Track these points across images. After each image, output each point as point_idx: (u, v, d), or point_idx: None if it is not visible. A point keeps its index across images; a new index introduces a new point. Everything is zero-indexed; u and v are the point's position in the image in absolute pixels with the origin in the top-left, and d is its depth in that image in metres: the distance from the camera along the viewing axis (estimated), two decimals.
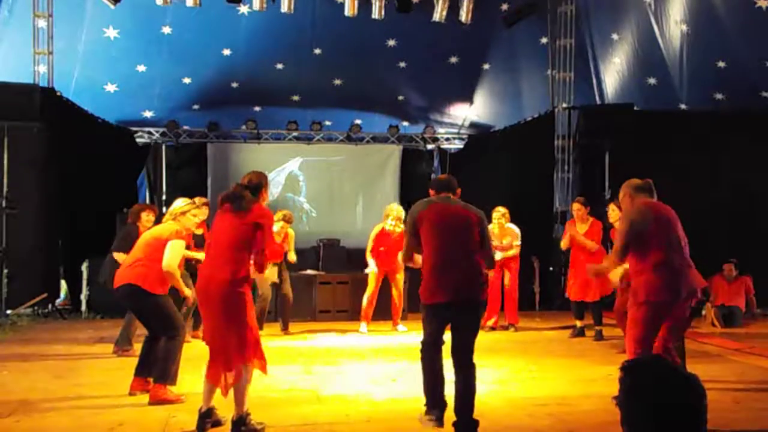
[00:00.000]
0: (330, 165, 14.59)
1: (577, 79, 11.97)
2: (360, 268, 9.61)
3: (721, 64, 11.19)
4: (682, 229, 4.60)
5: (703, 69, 11.39)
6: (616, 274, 5.05)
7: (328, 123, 14.32)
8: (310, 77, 12.95)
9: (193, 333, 7.24)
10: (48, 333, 8.61)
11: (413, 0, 11.02)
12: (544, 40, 12.28)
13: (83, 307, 9.97)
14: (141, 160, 13.61)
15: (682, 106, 12.14)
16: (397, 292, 8.78)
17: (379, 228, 8.69)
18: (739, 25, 10.55)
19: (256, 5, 10.50)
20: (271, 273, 7.91)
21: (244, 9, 11.32)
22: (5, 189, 9.70)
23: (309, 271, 10.26)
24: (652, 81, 12.17)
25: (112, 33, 11.44)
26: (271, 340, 7.88)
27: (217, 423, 4.44)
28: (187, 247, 5.64)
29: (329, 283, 9.90)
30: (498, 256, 8.52)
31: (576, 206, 8.36)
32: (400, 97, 13.97)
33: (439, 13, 10.93)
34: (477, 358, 4.32)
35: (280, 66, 12.75)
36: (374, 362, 6.78)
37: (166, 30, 11.68)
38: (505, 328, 8.87)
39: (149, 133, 13.77)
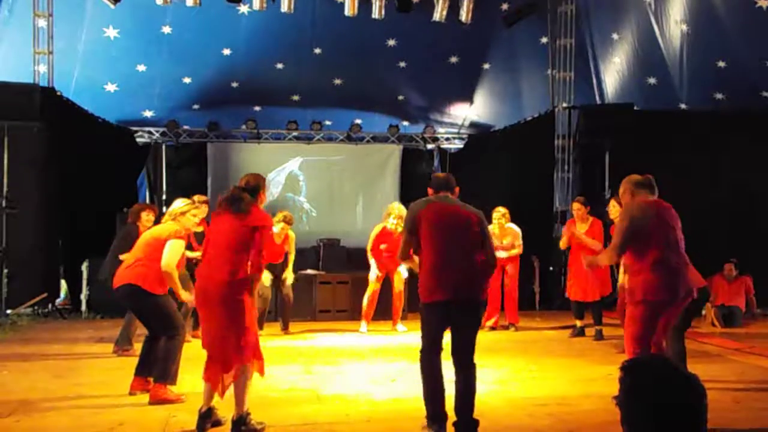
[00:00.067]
0: (330, 165, 14.59)
1: (577, 78, 11.97)
2: (360, 268, 9.62)
3: (721, 63, 11.19)
4: (681, 228, 4.60)
5: (703, 69, 11.39)
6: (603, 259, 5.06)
7: (328, 123, 14.32)
8: (310, 77, 12.95)
9: (193, 333, 7.24)
10: (48, 333, 8.61)
11: (413, 0, 11.02)
12: (544, 39, 12.28)
13: (83, 307, 9.97)
14: (141, 160, 13.61)
15: (682, 106, 12.15)
16: (398, 291, 8.78)
17: (380, 227, 8.70)
18: (739, 24, 10.55)
19: (256, 5, 10.50)
20: (265, 277, 7.90)
21: (244, 9, 11.31)
22: (5, 189, 9.70)
23: (309, 271, 10.25)
24: (652, 81, 12.17)
25: (112, 33, 11.44)
26: (271, 339, 7.88)
27: (218, 423, 4.44)
28: (189, 246, 5.64)
29: (329, 283, 9.90)
30: (503, 255, 8.55)
31: (576, 206, 8.37)
32: (400, 97, 13.97)
33: (439, 13, 10.92)
34: (477, 358, 4.31)
35: (280, 66, 12.75)
36: (374, 362, 6.78)
37: (166, 30, 11.68)
38: (506, 327, 8.87)
39: (149, 132, 13.77)
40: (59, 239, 10.32)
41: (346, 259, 11.93)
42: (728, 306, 9.26)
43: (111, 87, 12.34)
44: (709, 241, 9.25)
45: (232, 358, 4.25)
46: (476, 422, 4.16)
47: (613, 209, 7.04)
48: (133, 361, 5.56)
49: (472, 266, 4.27)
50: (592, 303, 8.22)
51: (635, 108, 11.32)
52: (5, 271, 9.61)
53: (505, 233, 8.74)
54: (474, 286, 4.25)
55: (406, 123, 14.65)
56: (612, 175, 10.74)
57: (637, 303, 4.43)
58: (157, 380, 5.13)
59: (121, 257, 6.64)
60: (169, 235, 5.27)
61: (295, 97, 13.60)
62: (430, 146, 14.98)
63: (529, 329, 9.04)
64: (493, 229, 8.59)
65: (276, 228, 8.27)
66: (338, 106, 13.83)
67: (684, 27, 11.17)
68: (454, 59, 12.91)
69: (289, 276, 8.59)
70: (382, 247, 8.60)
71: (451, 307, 4.20)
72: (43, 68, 10.49)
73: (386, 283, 8.79)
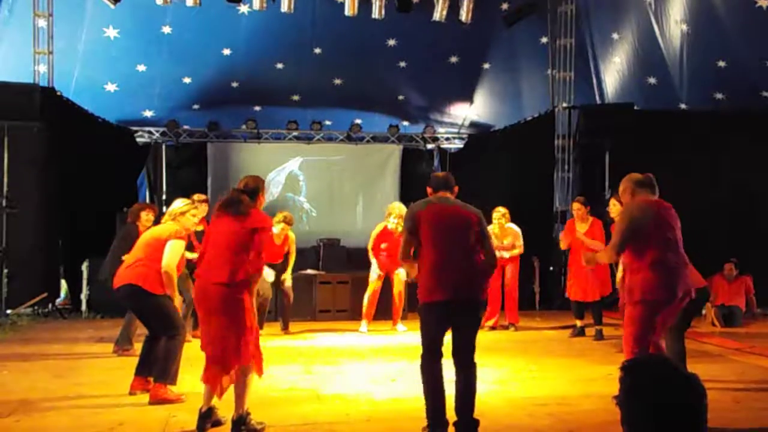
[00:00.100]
0: (330, 165, 14.59)
1: (578, 78, 11.97)
2: (360, 268, 9.62)
3: (722, 63, 11.19)
4: (680, 228, 4.60)
5: (704, 69, 11.39)
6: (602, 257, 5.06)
7: (328, 123, 14.32)
8: (310, 77, 12.95)
9: (193, 333, 7.25)
10: (48, 332, 8.61)
11: (413, 0, 11.02)
12: (544, 39, 12.28)
13: (83, 307, 9.97)
14: (141, 160, 13.61)
15: (683, 106, 12.15)
16: (398, 291, 8.78)
17: (381, 226, 8.70)
18: (739, 24, 10.55)
19: (256, 5, 10.50)
20: (267, 273, 7.92)
21: (244, 8, 11.32)
22: (5, 189, 9.71)
23: (309, 271, 10.25)
24: (652, 80, 12.17)
25: (112, 33, 11.44)
26: (272, 339, 7.88)
27: (218, 423, 4.44)
28: (189, 246, 5.64)
29: (329, 283, 9.90)
30: (505, 255, 8.57)
31: (576, 206, 8.36)
32: (400, 97, 13.97)
33: (439, 13, 10.93)
34: (477, 358, 4.31)
35: (280, 65, 12.75)
36: (374, 362, 6.78)
37: (166, 30, 11.68)
38: (506, 327, 8.87)
39: (149, 132, 13.77)
40: (59, 239, 10.32)
41: (346, 259, 11.93)
42: (728, 306, 9.26)
43: (111, 87, 12.34)
44: (709, 241, 9.25)
45: (232, 359, 4.25)
46: (476, 422, 4.15)
47: (614, 208, 7.03)
48: (133, 361, 5.56)
49: (472, 266, 4.27)
50: (592, 303, 8.22)
51: (635, 108, 11.33)
52: (5, 271, 9.61)
53: (505, 233, 8.73)
54: (474, 286, 4.25)
55: (406, 123, 14.65)
56: (612, 175, 10.75)
57: (635, 303, 4.43)
58: (157, 380, 5.13)
59: (125, 258, 6.67)
60: (169, 236, 5.27)
61: (295, 97, 13.61)
62: (430, 146, 14.98)
63: (529, 329, 9.04)
64: (493, 229, 8.59)
65: (276, 229, 8.28)
66: (338, 106, 13.83)
67: (684, 27, 11.17)
68: (454, 59, 12.91)
69: (288, 278, 8.59)
70: (383, 246, 8.61)
71: (451, 307, 4.20)
72: (43, 68, 10.49)
73: (386, 282, 8.79)
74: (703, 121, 11.12)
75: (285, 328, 8.63)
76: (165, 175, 14.27)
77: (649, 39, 11.61)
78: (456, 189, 4.52)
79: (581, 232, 8.15)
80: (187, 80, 12.71)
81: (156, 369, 5.18)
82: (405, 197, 12.51)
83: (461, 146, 14.96)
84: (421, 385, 4.24)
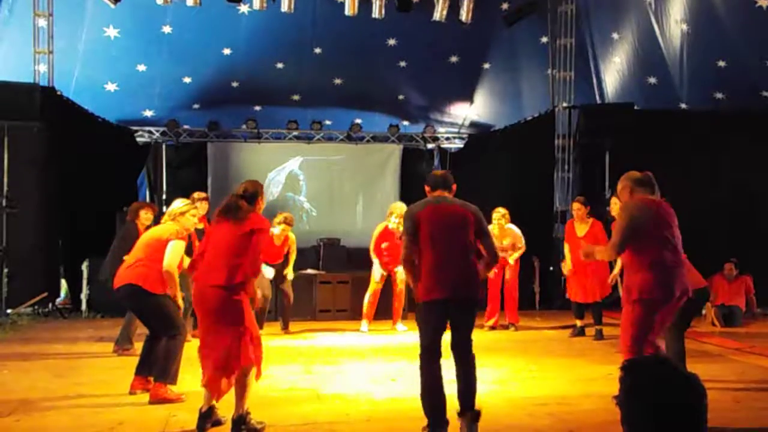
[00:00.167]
0: (330, 164, 14.59)
1: (578, 78, 11.97)
2: (360, 268, 9.62)
3: (722, 63, 11.19)
4: (678, 227, 4.60)
5: (704, 68, 11.39)
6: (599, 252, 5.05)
7: (328, 122, 14.32)
8: (311, 76, 12.95)
9: (194, 332, 7.25)
10: (48, 332, 8.61)
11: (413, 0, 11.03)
12: (544, 39, 12.28)
13: (83, 307, 9.97)
14: (141, 160, 13.61)
15: (683, 106, 12.15)
16: (398, 290, 8.78)
17: (382, 226, 8.71)
18: (739, 24, 10.55)
19: (257, 4, 10.50)
20: (266, 271, 7.93)
21: (244, 8, 11.31)
22: (5, 188, 9.71)
23: (309, 271, 10.26)
24: (652, 80, 12.17)
25: (112, 32, 11.44)
26: (272, 339, 7.88)
27: (218, 422, 4.44)
28: (190, 245, 5.64)
29: (329, 283, 9.90)
30: (511, 261, 8.61)
31: (576, 206, 8.36)
32: (401, 97, 13.97)
33: (439, 13, 10.92)
34: (477, 358, 4.34)
35: (280, 65, 12.75)
36: (374, 362, 6.78)
37: (167, 29, 11.68)
38: (506, 327, 8.87)
39: (149, 132, 13.77)
40: (59, 239, 10.32)
41: (346, 258, 11.94)
42: (728, 306, 9.26)
43: (111, 87, 12.35)
44: (709, 241, 9.26)
45: (233, 363, 4.24)
46: (479, 412, 4.20)
47: (615, 206, 7.01)
48: (133, 361, 5.56)
49: (470, 265, 4.30)
50: (593, 303, 8.22)
51: (635, 107, 11.33)
52: (5, 270, 9.61)
53: (504, 234, 8.73)
54: (471, 285, 4.30)
55: (406, 123, 14.65)
56: (612, 175, 10.73)
57: (633, 302, 4.43)
58: (157, 379, 5.13)
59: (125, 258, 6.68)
60: (170, 236, 5.28)
61: (296, 97, 13.61)
62: (430, 146, 14.98)
63: (529, 329, 9.04)
64: (492, 229, 8.57)
65: (276, 229, 8.29)
66: (338, 105, 13.83)
67: (684, 26, 11.17)
68: (454, 59, 12.91)
69: (289, 272, 8.60)
70: (384, 246, 8.61)
71: (449, 306, 4.23)
72: (43, 68, 10.49)
73: (387, 282, 8.79)
74: (703, 120, 11.12)
75: (285, 328, 8.64)
76: (165, 175, 14.27)
77: (649, 39, 11.61)
78: (454, 187, 4.53)
79: (580, 234, 8.17)
80: (187, 80, 12.72)
81: (156, 368, 5.18)
82: (405, 197, 12.53)
83: (461, 146, 14.96)
84: (420, 385, 4.24)
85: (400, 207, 8.57)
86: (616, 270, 7.57)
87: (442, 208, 4.38)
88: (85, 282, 9.97)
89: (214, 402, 4.38)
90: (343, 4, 10.82)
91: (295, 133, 14.17)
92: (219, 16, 11.41)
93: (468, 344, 4.31)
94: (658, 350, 4.49)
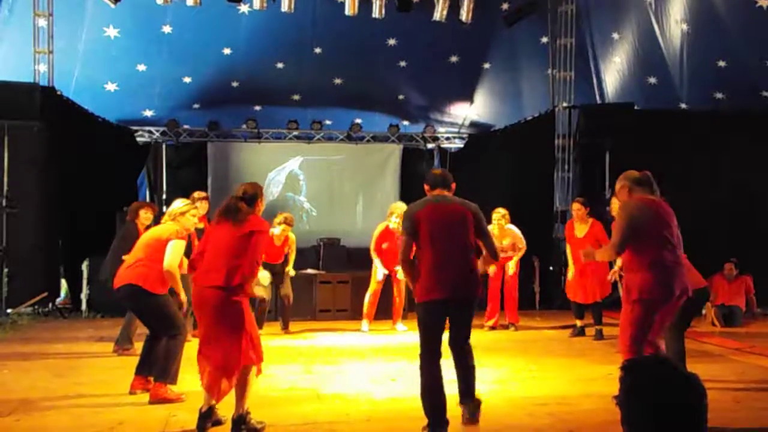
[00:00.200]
0: (330, 164, 14.59)
1: (578, 78, 11.97)
2: (360, 268, 9.62)
3: (722, 63, 11.19)
4: (677, 226, 4.60)
5: (704, 68, 11.38)
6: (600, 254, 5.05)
7: (328, 122, 14.32)
8: (311, 76, 12.95)
9: (194, 332, 7.25)
10: (48, 332, 8.61)
11: None
12: (544, 39, 12.28)
13: (83, 306, 9.97)
14: (141, 160, 13.61)
15: (683, 106, 12.15)
16: (399, 291, 8.78)
17: (383, 226, 8.71)
18: (739, 24, 10.55)
19: (257, 4, 10.49)
20: (262, 276, 7.90)
21: (244, 8, 11.31)
22: (5, 188, 9.71)
23: (309, 271, 10.25)
24: (652, 80, 12.16)
25: (112, 32, 11.44)
26: (272, 339, 7.88)
27: (218, 422, 4.44)
28: (190, 245, 5.64)
29: (329, 283, 9.90)
30: (512, 269, 8.61)
31: (576, 206, 8.36)
32: (401, 97, 13.97)
33: (439, 13, 10.92)
34: (477, 358, 4.37)
35: (280, 65, 12.75)
36: (374, 361, 6.78)
37: (167, 29, 11.68)
38: (506, 327, 8.86)
39: (149, 132, 13.77)
40: (59, 239, 10.32)
41: (346, 258, 11.93)
42: (728, 305, 9.26)
43: (111, 86, 12.34)
44: (709, 241, 9.25)
45: (233, 365, 4.24)
46: (479, 400, 4.28)
47: (615, 206, 7.01)
48: (133, 361, 5.57)
49: (469, 265, 4.31)
50: (592, 303, 8.21)
51: (635, 107, 11.32)
52: (6, 270, 9.61)
53: (504, 234, 8.72)
54: (471, 284, 4.31)
55: (406, 122, 14.65)
56: (612, 175, 10.68)
57: (632, 302, 4.44)
58: (157, 379, 5.13)
59: (124, 258, 6.68)
60: (170, 236, 5.28)
61: (296, 97, 13.61)
62: (430, 146, 14.98)
63: (529, 329, 9.04)
64: (492, 230, 8.57)
65: (277, 229, 8.29)
66: (338, 105, 13.83)
67: (684, 26, 11.17)
68: (454, 59, 12.91)
69: (290, 269, 8.61)
70: (384, 246, 8.60)
71: (448, 306, 4.24)
72: (43, 67, 10.49)
73: (387, 282, 8.79)
74: (703, 120, 11.11)
75: (285, 328, 8.64)
76: (165, 175, 14.27)
77: (650, 39, 11.61)
78: (453, 186, 4.53)
79: (579, 236, 8.18)
80: (187, 80, 12.71)
81: (156, 368, 5.18)
82: (405, 197, 12.53)
83: (461, 146, 14.96)
84: (420, 386, 4.24)
85: (401, 207, 8.55)
86: (617, 266, 7.56)
87: (441, 207, 4.38)
88: (85, 282, 9.97)
89: (213, 402, 4.37)
90: (343, 4, 10.82)
91: (295, 133, 14.17)
92: (219, 16, 11.41)
93: (465, 338, 4.37)
94: (658, 350, 4.49)
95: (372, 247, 8.71)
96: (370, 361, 6.79)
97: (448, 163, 14.44)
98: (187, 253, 5.51)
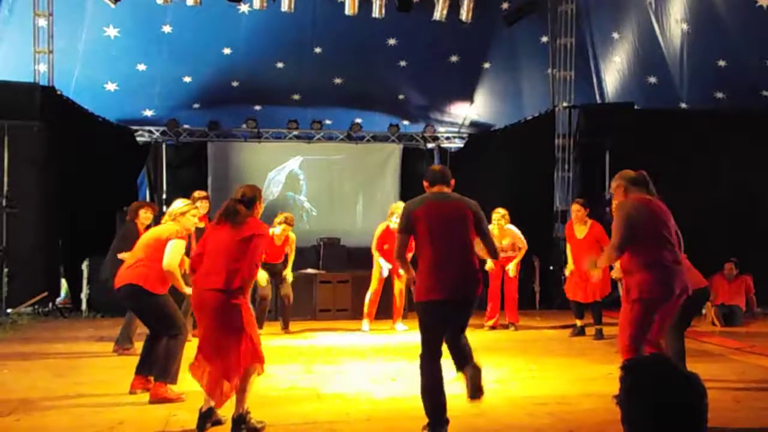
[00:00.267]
0: (330, 164, 14.59)
1: (578, 78, 11.96)
2: (361, 267, 9.63)
3: (722, 63, 11.19)
4: (676, 226, 4.60)
5: (704, 68, 11.38)
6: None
7: (328, 122, 14.33)
8: (311, 76, 12.95)
9: (194, 332, 7.25)
10: (48, 332, 8.61)
11: None
12: (544, 38, 12.28)
13: (83, 306, 9.97)
14: (141, 159, 13.61)
15: (683, 105, 12.14)
16: (399, 290, 8.78)
17: (383, 226, 8.70)
18: (739, 24, 10.55)
19: (257, 4, 10.50)
20: (261, 277, 7.91)
21: (244, 8, 11.31)
22: (5, 188, 9.71)
23: (309, 270, 10.26)
24: (652, 80, 12.16)
25: (112, 32, 11.44)
26: (272, 339, 7.88)
27: (218, 422, 4.44)
28: (189, 245, 5.65)
29: (329, 282, 9.90)
30: (512, 271, 8.62)
31: (575, 207, 8.35)
32: (401, 96, 13.97)
33: (439, 12, 10.92)
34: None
35: (280, 65, 12.75)
36: (374, 361, 6.78)
37: (167, 29, 11.68)
38: (505, 327, 8.86)
39: (149, 131, 13.77)
40: (59, 238, 10.31)
41: (346, 258, 11.93)
42: (728, 305, 9.26)
43: (111, 86, 12.35)
44: (709, 241, 9.25)
45: (233, 368, 4.24)
46: (479, 368, 4.30)
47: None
48: (133, 360, 5.57)
49: (469, 264, 4.29)
50: (592, 302, 8.21)
51: (636, 107, 11.33)
52: (6, 270, 9.61)
53: (504, 234, 8.72)
54: (470, 284, 4.29)
55: (406, 122, 14.65)
56: (612, 175, 10.62)
57: (632, 301, 4.43)
58: (157, 379, 5.13)
59: (120, 256, 6.67)
60: (169, 236, 5.28)
61: (296, 96, 13.61)
62: (430, 145, 14.98)
63: (529, 328, 9.04)
64: (492, 230, 8.56)
65: (277, 229, 8.30)
66: (338, 105, 13.83)
67: (684, 26, 11.17)
68: (454, 58, 12.91)
69: (288, 274, 8.61)
70: (386, 247, 8.57)
71: (448, 306, 4.23)
72: (43, 67, 10.49)
73: (387, 282, 8.79)
74: (704, 120, 11.11)
75: (285, 328, 8.64)
76: (165, 175, 14.28)
77: (650, 38, 11.61)
78: (453, 182, 4.51)
79: (579, 237, 8.18)
80: (187, 79, 12.71)
81: (156, 368, 5.18)
82: (405, 196, 12.49)
83: (461, 146, 14.97)
84: (420, 385, 4.24)
85: (401, 207, 8.54)
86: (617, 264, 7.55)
87: (441, 204, 4.36)
88: (85, 282, 9.97)
89: (214, 403, 4.37)
90: (343, 4, 10.82)
91: (296, 132, 14.17)
92: (219, 16, 11.41)
93: (462, 333, 4.37)
94: (661, 350, 4.49)
95: (374, 246, 8.70)
96: (371, 361, 6.79)
97: (448, 163, 14.42)
98: (187, 252, 5.52)
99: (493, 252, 4.54)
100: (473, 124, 14.65)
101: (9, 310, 9.54)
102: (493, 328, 8.76)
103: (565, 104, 11.89)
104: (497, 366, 6.34)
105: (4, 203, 9.67)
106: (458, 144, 15.05)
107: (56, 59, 10.59)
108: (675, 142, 10.64)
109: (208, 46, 12.12)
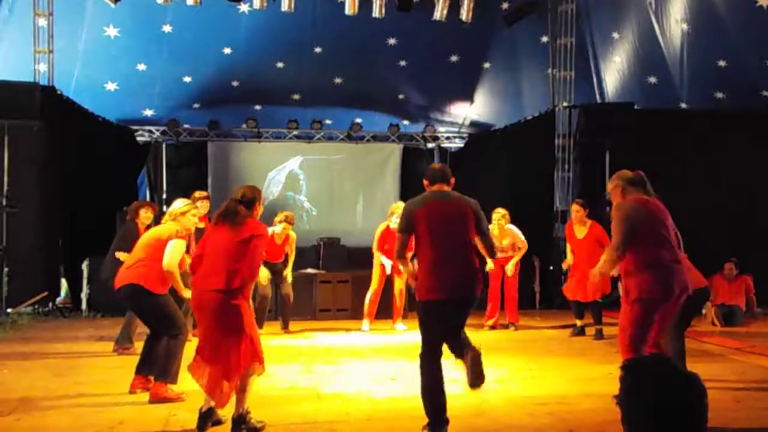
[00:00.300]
0: (330, 164, 14.59)
1: (578, 77, 11.96)
2: (361, 267, 9.63)
3: (722, 63, 11.19)
4: (674, 226, 4.60)
5: (704, 68, 11.39)
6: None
7: (328, 122, 14.33)
8: (311, 76, 12.95)
9: (194, 332, 7.25)
10: (48, 331, 8.61)
11: None
12: (544, 38, 12.28)
13: (83, 306, 9.97)
14: (141, 159, 13.61)
15: (683, 105, 12.15)
16: (399, 290, 8.78)
17: (383, 226, 8.70)
18: (739, 23, 10.55)
19: (257, 4, 10.50)
20: (263, 275, 7.92)
21: (244, 7, 11.31)
22: (5, 188, 9.71)
23: (309, 270, 10.26)
24: (652, 80, 12.16)
25: (112, 32, 11.44)
26: (272, 338, 7.89)
27: (218, 422, 4.44)
28: (190, 245, 5.65)
29: (329, 282, 9.90)
30: (511, 270, 8.63)
31: (575, 207, 8.34)
32: (401, 96, 13.98)
33: (439, 12, 10.92)
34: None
35: (280, 65, 12.75)
36: (374, 361, 6.78)
37: (167, 28, 11.68)
38: (506, 326, 8.86)
39: (149, 131, 13.77)
40: (59, 238, 10.32)
41: (346, 258, 11.93)
42: (728, 305, 9.26)
43: (111, 86, 12.35)
44: (709, 241, 9.25)
45: (233, 370, 4.24)
46: (478, 352, 4.26)
47: None
48: (133, 360, 5.57)
49: (469, 264, 4.28)
50: (592, 302, 8.22)
51: (636, 107, 11.33)
52: (6, 269, 9.61)
53: (504, 234, 8.72)
54: (470, 284, 4.28)
55: (406, 122, 14.65)
56: (612, 175, 10.71)
57: (632, 302, 4.43)
58: (157, 379, 5.13)
59: (118, 255, 6.68)
60: (170, 236, 5.28)
61: (296, 96, 13.61)
62: (430, 145, 14.98)
63: (529, 328, 9.04)
64: (492, 229, 8.59)
65: (278, 228, 8.30)
66: (338, 105, 13.84)
67: (684, 26, 11.17)
68: (454, 58, 12.91)
69: (288, 275, 8.62)
70: (386, 247, 8.57)
71: (447, 306, 4.23)
72: (43, 67, 10.49)
73: (387, 282, 8.79)
74: (704, 120, 11.12)
75: (285, 328, 8.64)
76: (165, 175, 14.28)
77: (650, 38, 11.61)
78: (452, 181, 4.51)
79: (579, 237, 8.18)
80: (187, 79, 12.71)
81: (157, 368, 5.18)
82: (405, 196, 12.49)
83: (461, 145, 14.97)
84: (420, 385, 4.24)
85: (401, 207, 8.52)
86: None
87: (441, 203, 4.35)
88: (85, 281, 9.97)
89: (214, 403, 4.37)
90: (343, 4, 10.83)
91: (296, 132, 14.17)
92: (219, 16, 11.41)
93: (461, 331, 4.36)
94: (661, 350, 4.49)
95: (375, 247, 8.70)
96: (371, 361, 6.79)
97: (448, 163, 14.41)
98: (187, 252, 5.52)
99: (491, 251, 4.53)
100: (473, 124, 14.66)
101: (9, 310, 9.54)
102: (493, 327, 8.77)
103: (565, 104, 11.89)
104: (497, 366, 6.34)
105: (4, 203, 9.67)
106: (458, 144, 15.05)
107: (56, 59, 10.59)
108: (675, 142, 10.65)
109: (208, 46, 12.13)
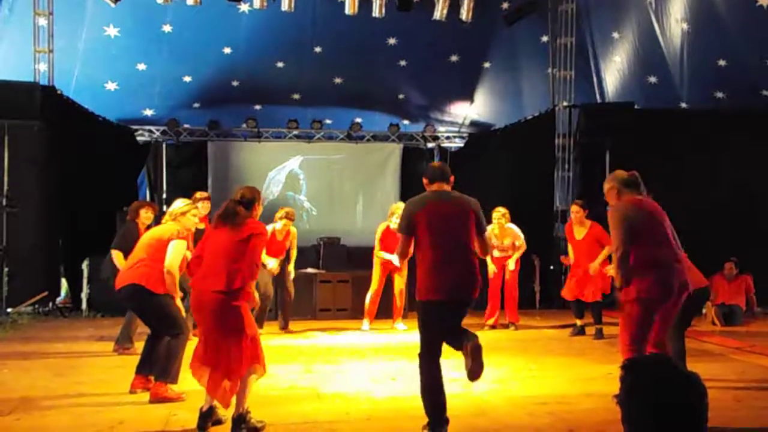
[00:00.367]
0: (330, 163, 14.60)
1: (578, 77, 11.97)
2: (361, 267, 9.63)
3: (722, 62, 11.19)
4: (672, 225, 4.60)
5: (704, 67, 11.39)
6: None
7: (328, 121, 14.33)
8: (311, 75, 12.96)
9: (194, 332, 7.25)
10: (48, 331, 8.61)
11: None
12: (544, 38, 12.28)
13: (84, 306, 9.97)
14: (141, 159, 13.61)
15: (683, 105, 12.15)
16: (399, 289, 8.78)
17: (384, 226, 8.70)
18: (739, 23, 10.55)
19: (257, 3, 10.50)
20: (272, 266, 7.96)
21: (244, 7, 11.32)
22: (6, 187, 9.71)
23: (309, 270, 10.25)
24: (652, 79, 12.17)
25: (112, 31, 11.45)
26: (272, 338, 7.89)
27: (218, 422, 4.44)
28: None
29: (329, 282, 9.90)
30: (511, 267, 8.64)
31: (575, 208, 8.34)
32: (401, 96, 13.98)
33: (439, 12, 10.92)
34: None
35: (280, 64, 12.75)
36: (374, 361, 6.78)
37: (167, 28, 11.68)
38: (506, 326, 8.87)
39: (150, 131, 13.77)
40: (60, 238, 10.32)
41: (346, 257, 11.92)
42: (729, 305, 9.26)
43: (111, 86, 12.35)
44: (709, 241, 9.26)
45: (234, 368, 4.24)
46: (478, 343, 4.19)
47: None
48: (133, 360, 5.57)
49: (469, 265, 4.28)
50: (592, 302, 8.21)
51: (636, 107, 11.33)
52: (6, 269, 9.61)
53: (504, 233, 8.73)
54: (470, 286, 4.28)
55: (406, 122, 14.65)
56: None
57: (632, 302, 4.43)
58: (158, 379, 5.13)
59: (113, 254, 6.69)
60: (171, 236, 5.28)
61: (296, 96, 13.61)
62: (430, 145, 14.98)
63: (529, 328, 9.05)
64: (492, 229, 8.61)
65: (278, 224, 8.29)
66: (338, 104, 13.84)
67: (684, 25, 11.17)
68: (454, 58, 12.91)
69: (291, 270, 8.62)
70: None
71: (447, 307, 4.23)
72: (43, 67, 10.49)
73: (387, 281, 8.79)
74: (704, 120, 11.12)
75: (285, 327, 8.64)
76: (165, 174, 14.28)
77: (650, 38, 11.61)
78: (452, 179, 4.51)
79: (578, 237, 8.18)
80: (187, 79, 12.72)
81: (157, 368, 5.18)
82: (405, 196, 12.44)
83: (462, 145, 14.97)
84: (420, 385, 4.24)
85: (401, 207, 8.51)
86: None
87: (442, 203, 4.34)
88: (85, 281, 9.97)
89: (214, 402, 4.37)
90: (343, 4, 10.83)
91: (296, 132, 14.17)
92: (219, 15, 11.41)
93: (458, 328, 4.35)
94: (664, 350, 4.48)
95: (376, 247, 8.69)
96: (371, 360, 6.79)
97: (448, 163, 14.38)
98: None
99: (485, 251, 4.54)
100: (473, 124, 14.66)
101: (9, 310, 9.54)
102: (493, 327, 8.77)
103: (565, 104, 11.89)
104: (497, 366, 6.34)
105: (4, 203, 9.67)
106: (458, 143, 15.05)
107: (56, 58, 10.60)
108: (675, 142, 10.65)
109: (208, 46, 12.13)
